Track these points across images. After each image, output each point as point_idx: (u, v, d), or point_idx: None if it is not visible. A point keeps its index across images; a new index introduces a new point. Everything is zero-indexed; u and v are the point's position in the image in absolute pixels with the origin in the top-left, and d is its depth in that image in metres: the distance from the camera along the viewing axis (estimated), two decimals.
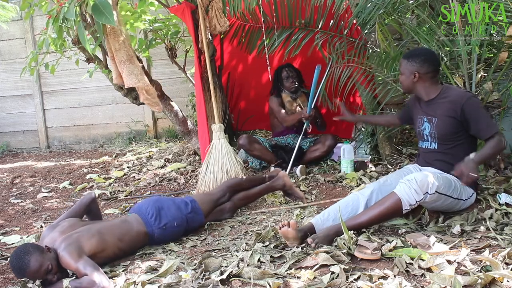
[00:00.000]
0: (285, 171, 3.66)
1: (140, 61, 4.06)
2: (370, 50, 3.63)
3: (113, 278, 2.17)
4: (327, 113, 4.17)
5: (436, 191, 2.24)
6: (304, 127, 3.85)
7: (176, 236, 2.64)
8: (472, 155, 2.33)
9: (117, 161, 4.92)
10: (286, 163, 3.81)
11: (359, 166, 3.60)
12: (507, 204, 2.52)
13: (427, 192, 2.23)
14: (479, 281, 1.71)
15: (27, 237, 2.97)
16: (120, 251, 2.43)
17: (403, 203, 2.22)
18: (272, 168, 3.88)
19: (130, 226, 2.51)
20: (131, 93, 4.17)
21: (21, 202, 3.89)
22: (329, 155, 3.99)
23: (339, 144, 3.88)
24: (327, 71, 3.77)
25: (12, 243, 2.91)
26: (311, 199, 3.20)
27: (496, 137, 2.38)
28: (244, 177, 3.24)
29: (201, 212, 2.75)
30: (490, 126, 2.40)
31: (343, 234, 2.19)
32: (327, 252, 2.08)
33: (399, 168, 3.30)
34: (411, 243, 2.12)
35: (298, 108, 4.04)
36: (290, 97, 4.05)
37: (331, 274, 1.92)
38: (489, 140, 2.39)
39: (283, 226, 2.28)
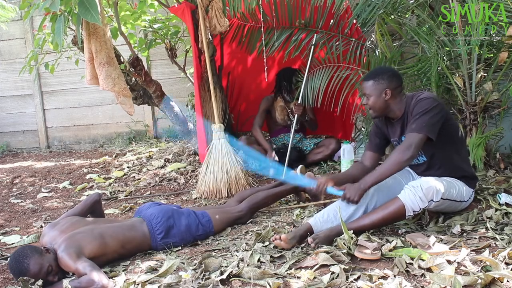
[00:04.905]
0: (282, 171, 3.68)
1: (140, 61, 4.07)
2: (370, 50, 3.63)
3: (113, 278, 2.17)
4: (326, 114, 4.17)
5: (441, 198, 2.24)
6: (293, 125, 3.83)
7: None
8: (366, 179, 2.32)
9: (117, 161, 4.92)
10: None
11: None
12: (507, 204, 2.52)
13: (432, 200, 2.22)
14: (479, 281, 1.71)
15: (27, 237, 2.97)
16: (119, 256, 2.41)
17: (407, 209, 2.21)
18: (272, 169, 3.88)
19: (134, 236, 2.45)
20: (131, 93, 4.16)
21: (21, 202, 3.89)
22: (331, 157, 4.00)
23: None
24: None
25: (12, 243, 2.91)
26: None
27: (405, 142, 2.26)
28: (268, 193, 2.96)
29: (213, 233, 2.66)
30: (416, 126, 2.27)
31: (343, 234, 2.19)
32: (327, 252, 2.08)
33: None
34: (411, 243, 2.12)
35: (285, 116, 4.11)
36: (283, 102, 4.06)
37: (331, 274, 1.92)
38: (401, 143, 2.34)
39: (275, 239, 2.25)
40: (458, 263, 1.90)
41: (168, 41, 4.50)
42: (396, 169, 2.31)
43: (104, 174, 4.50)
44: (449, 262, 1.90)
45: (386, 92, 2.40)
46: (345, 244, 2.13)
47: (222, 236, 2.64)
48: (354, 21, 3.68)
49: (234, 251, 2.32)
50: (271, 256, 2.16)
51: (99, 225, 2.43)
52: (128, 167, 4.57)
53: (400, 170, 2.39)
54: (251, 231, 2.64)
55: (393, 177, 2.55)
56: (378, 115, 2.50)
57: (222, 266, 2.10)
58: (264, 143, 4.04)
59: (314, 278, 1.91)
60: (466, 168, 2.48)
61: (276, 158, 3.87)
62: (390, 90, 2.40)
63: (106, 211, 3.32)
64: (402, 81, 2.50)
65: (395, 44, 3.61)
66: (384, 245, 2.11)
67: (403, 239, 2.18)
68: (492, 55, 3.08)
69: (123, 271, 2.26)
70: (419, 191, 2.20)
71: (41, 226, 3.19)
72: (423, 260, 1.93)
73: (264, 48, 3.86)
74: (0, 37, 6.09)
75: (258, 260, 2.13)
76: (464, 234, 2.25)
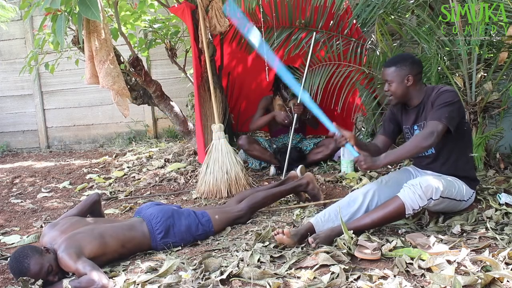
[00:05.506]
0: (283, 171, 3.68)
1: (140, 60, 4.07)
2: (370, 50, 3.63)
3: (113, 278, 2.17)
4: (326, 114, 4.17)
5: (440, 196, 2.24)
6: (293, 124, 3.84)
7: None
8: (382, 156, 2.32)
9: (117, 161, 4.92)
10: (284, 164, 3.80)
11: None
12: (507, 204, 2.52)
13: (431, 198, 2.22)
14: (479, 281, 1.71)
15: (27, 237, 2.97)
16: (119, 256, 2.42)
17: (407, 207, 2.21)
18: (272, 169, 3.88)
19: (134, 235, 2.45)
20: (131, 93, 4.16)
21: (21, 202, 3.88)
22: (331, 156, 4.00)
23: None
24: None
25: (12, 243, 2.91)
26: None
27: (428, 129, 2.27)
28: (268, 193, 2.94)
29: (213, 233, 2.66)
30: (439, 115, 2.28)
31: (344, 234, 2.19)
32: (327, 252, 2.08)
33: (399, 168, 3.31)
34: (411, 243, 2.12)
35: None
36: (281, 100, 4.06)
37: (331, 274, 1.92)
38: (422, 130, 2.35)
39: (277, 234, 2.26)
40: (458, 263, 1.90)
41: (168, 41, 4.50)
42: (414, 152, 2.34)
43: (104, 174, 4.50)
44: (449, 262, 1.90)
45: (408, 78, 2.43)
46: (345, 244, 2.13)
47: (222, 236, 2.64)
48: (354, 21, 3.68)
49: (234, 251, 2.32)
50: (271, 256, 2.16)
51: (99, 225, 2.43)
52: (128, 167, 4.57)
53: (417, 154, 2.42)
54: (251, 231, 2.64)
55: (393, 176, 2.56)
56: (398, 101, 2.52)
57: (222, 266, 2.10)
58: (266, 116, 4.03)
59: (314, 278, 1.91)
60: (468, 170, 2.49)
61: (288, 114, 3.88)
62: (412, 77, 2.43)
63: (106, 211, 3.32)
64: (422, 68, 2.52)
65: (395, 44, 3.62)
66: (384, 245, 2.11)
67: (403, 239, 2.18)
68: (492, 55, 3.09)
69: (123, 271, 2.26)
70: (418, 189, 2.20)
71: (41, 226, 3.19)
72: (423, 260, 1.93)
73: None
74: (0, 37, 6.10)
75: (258, 260, 2.13)
76: (464, 234, 2.25)
